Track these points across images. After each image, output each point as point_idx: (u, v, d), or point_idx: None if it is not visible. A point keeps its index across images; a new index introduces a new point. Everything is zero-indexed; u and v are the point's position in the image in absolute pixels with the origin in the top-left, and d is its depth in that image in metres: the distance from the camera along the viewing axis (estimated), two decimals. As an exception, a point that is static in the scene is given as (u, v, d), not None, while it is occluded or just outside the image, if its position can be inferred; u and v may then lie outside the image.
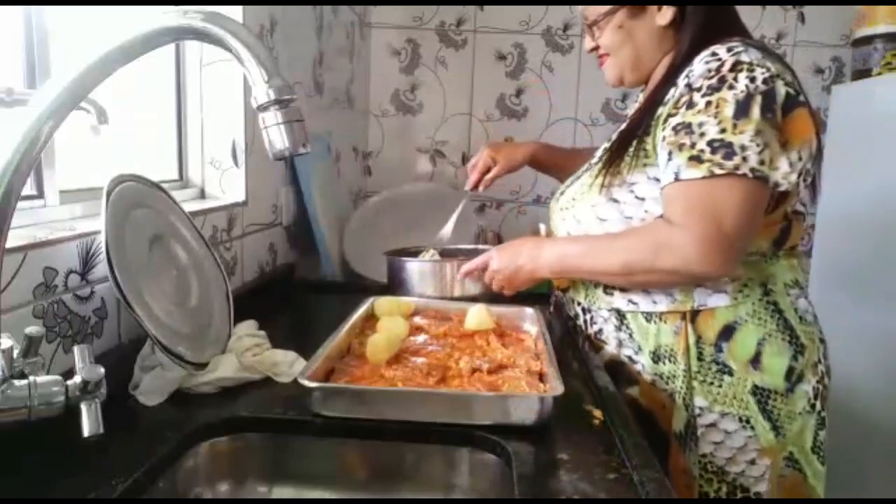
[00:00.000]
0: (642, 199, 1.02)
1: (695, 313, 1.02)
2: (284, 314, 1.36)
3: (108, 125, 0.83)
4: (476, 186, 1.43)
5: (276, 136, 0.61)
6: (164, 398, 0.84)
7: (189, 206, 1.10)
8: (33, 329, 0.60)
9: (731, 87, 0.93)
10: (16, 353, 0.59)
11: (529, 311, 1.18)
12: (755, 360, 1.00)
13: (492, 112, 2.55)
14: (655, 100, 1.04)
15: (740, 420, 1.00)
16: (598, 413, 0.85)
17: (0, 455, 0.61)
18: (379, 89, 2.55)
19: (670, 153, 0.96)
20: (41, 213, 0.91)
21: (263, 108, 0.61)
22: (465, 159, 2.57)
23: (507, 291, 1.19)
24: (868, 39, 2.20)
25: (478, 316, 1.11)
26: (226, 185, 1.36)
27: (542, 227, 1.77)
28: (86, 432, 0.57)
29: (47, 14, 0.90)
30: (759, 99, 0.92)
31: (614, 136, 1.14)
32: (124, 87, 1.14)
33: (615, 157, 1.06)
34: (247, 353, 0.95)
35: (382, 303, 1.19)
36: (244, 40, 0.60)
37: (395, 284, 1.39)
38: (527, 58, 2.51)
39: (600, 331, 1.12)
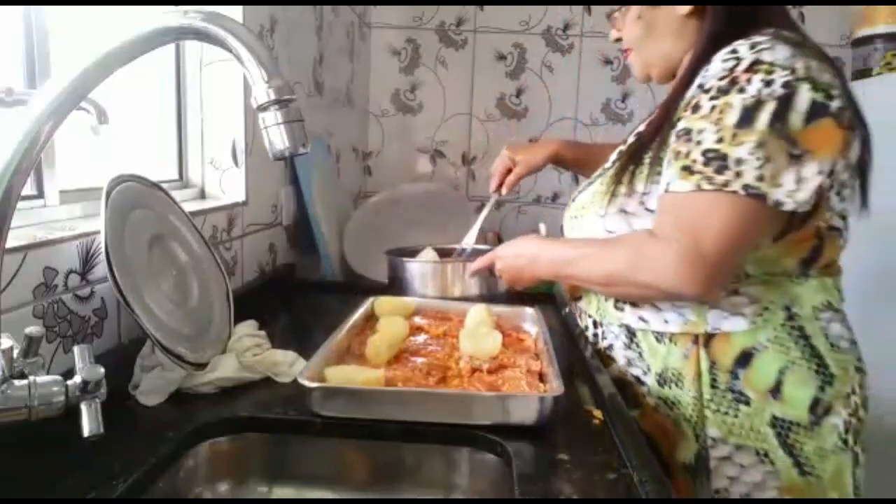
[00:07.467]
0: (653, 213, 0.93)
1: (709, 337, 0.93)
2: (284, 314, 1.36)
3: (108, 125, 0.83)
4: (499, 189, 1.39)
5: (276, 136, 0.61)
6: (164, 398, 0.84)
7: (189, 206, 1.10)
8: (33, 329, 0.60)
9: (741, 91, 0.83)
10: (16, 353, 0.59)
11: (529, 310, 1.18)
12: (775, 390, 0.90)
13: (492, 112, 2.55)
14: (673, 103, 0.94)
15: (757, 453, 0.91)
16: (598, 413, 0.85)
17: (0, 455, 0.61)
18: (379, 89, 2.55)
19: (669, 161, 0.89)
20: (41, 213, 0.91)
21: (263, 108, 0.60)
22: (465, 159, 2.57)
23: (519, 287, 1.17)
24: (868, 39, 2.20)
25: (477, 316, 1.11)
26: (226, 185, 1.35)
27: (542, 228, 1.77)
28: (86, 432, 0.57)
29: (47, 14, 0.90)
30: (770, 106, 0.82)
31: (631, 139, 1.05)
32: (124, 87, 1.14)
33: (629, 166, 0.97)
34: (247, 353, 0.95)
35: (382, 303, 1.19)
36: (244, 40, 0.60)
37: (395, 284, 1.39)
38: (527, 58, 2.51)
39: (611, 346, 1.05)
